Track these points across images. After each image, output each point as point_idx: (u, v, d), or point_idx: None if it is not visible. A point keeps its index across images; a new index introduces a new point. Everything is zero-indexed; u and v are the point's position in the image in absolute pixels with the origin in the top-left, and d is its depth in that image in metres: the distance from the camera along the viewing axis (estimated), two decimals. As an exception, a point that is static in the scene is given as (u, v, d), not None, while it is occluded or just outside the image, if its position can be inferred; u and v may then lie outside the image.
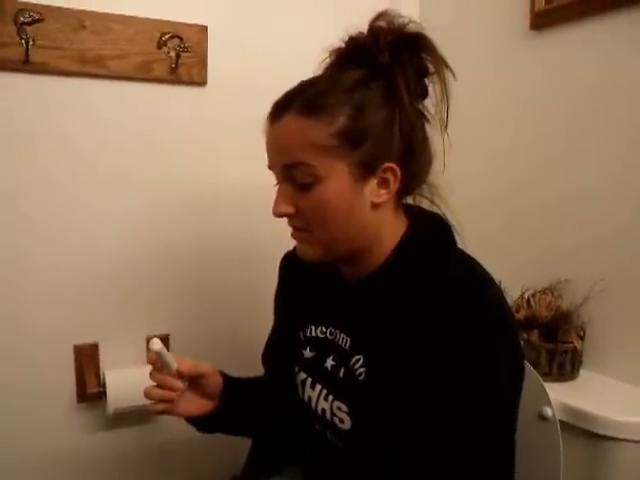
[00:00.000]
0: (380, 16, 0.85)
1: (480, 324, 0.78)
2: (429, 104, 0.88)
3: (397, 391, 0.81)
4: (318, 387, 0.94)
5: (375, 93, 0.82)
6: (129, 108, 1.39)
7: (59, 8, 1.26)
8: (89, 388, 1.37)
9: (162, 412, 0.95)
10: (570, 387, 1.21)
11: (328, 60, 0.91)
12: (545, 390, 1.04)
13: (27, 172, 1.30)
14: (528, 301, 1.29)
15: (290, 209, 0.85)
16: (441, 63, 0.85)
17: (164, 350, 0.88)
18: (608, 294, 1.21)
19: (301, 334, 0.99)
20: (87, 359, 1.40)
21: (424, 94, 0.88)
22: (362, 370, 0.86)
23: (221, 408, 0.98)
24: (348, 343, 0.90)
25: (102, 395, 1.37)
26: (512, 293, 1.31)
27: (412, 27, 0.85)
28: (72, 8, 1.27)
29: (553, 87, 1.36)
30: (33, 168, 1.31)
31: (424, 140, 0.88)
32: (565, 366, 1.22)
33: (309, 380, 0.96)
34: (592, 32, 1.26)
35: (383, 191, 0.84)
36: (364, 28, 0.86)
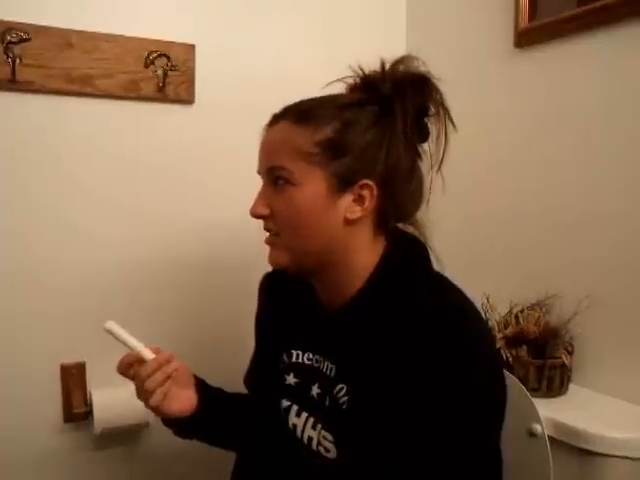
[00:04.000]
0: (399, 61, 0.88)
1: (458, 350, 0.77)
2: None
3: (379, 420, 0.80)
4: (304, 415, 0.92)
5: (367, 115, 0.85)
6: (116, 126, 1.38)
7: (46, 27, 1.26)
8: (75, 408, 1.35)
9: (156, 409, 0.92)
10: (559, 403, 1.20)
11: (331, 87, 0.93)
12: (534, 406, 1.04)
13: (11, 190, 1.30)
14: (516, 317, 1.29)
15: (265, 210, 0.87)
16: (444, 110, 0.88)
17: (115, 329, 0.89)
18: (596, 309, 1.21)
19: (285, 358, 0.98)
20: (74, 378, 1.38)
21: (424, 135, 0.90)
22: (345, 399, 0.85)
23: (202, 406, 0.98)
24: (333, 371, 0.89)
25: (88, 415, 1.36)
26: (500, 309, 1.31)
27: (423, 69, 0.88)
28: (59, 27, 1.28)
29: (540, 104, 1.37)
30: (17, 186, 1.30)
31: (412, 173, 0.89)
32: (554, 382, 1.22)
33: (294, 408, 0.94)
34: (576, 49, 1.28)
35: (358, 208, 0.85)
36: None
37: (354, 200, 0.85)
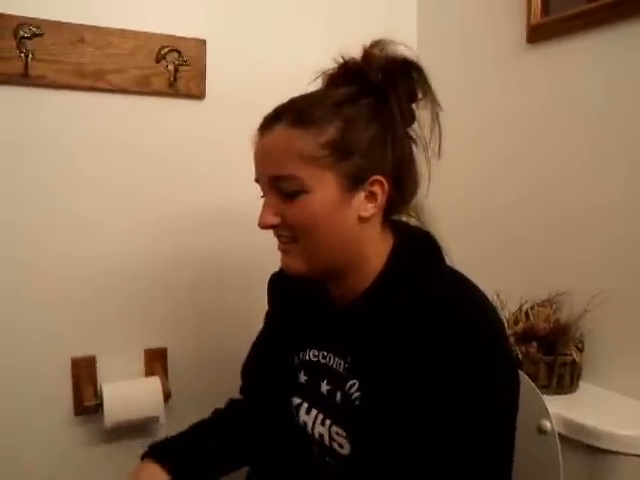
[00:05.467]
0: (375, 44, 0.86)
1: (471, 345, 0.76)
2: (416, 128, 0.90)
3: (393, 415, 0.79)
4: (314, 412, 0.92)
5: (364, 109, 0.83)
6: (127, 121, 1.39)
7: (58, 22, 1.27)
8: (86, 401, 1.36)
9: None
10: (569, 400, 1.20)
11: (320, 81, 0.91)
12: (544, 403, 1.04)
13: (25, 184, 1.30)
14: (527, 314, 1.29)
15: (276, 220, 0.85)
16: (430, 93, 0.86)
17: None
18: (607, 306, 1.21)
19: (295, 357, 0.98)
20: (84, 372, 1.39)
21: (412, 119, 0.89)
22: (357, 395, 0.85)
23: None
24: (342, 367, 0.89)
25: (99, 408, 1.36)
26: (511, 305, 1.31)
27: (407, 53, 0.86)
28: (71, 22, 1.28)
29: (551, 100, 1.36)
30: (31, 180, 1.31)
31: (412, 160, 0.88)
32: (564, 379, 1.22)
33: (304, 405, 0.94)
34: (589, 44, 1.27)
35: (370, 205, 0.84)
36: (359, 46, 0.87)
37: (366, 197, 0.84)
